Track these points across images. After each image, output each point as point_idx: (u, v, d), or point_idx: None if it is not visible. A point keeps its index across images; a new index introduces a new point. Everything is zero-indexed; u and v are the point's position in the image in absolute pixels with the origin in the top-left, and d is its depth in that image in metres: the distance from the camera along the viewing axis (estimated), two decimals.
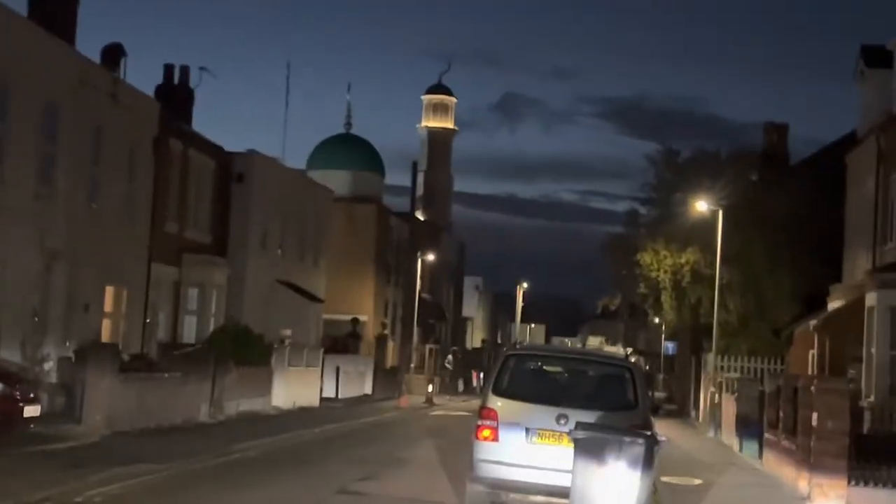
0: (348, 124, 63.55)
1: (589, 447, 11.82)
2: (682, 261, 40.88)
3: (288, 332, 42.44)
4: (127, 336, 31.38)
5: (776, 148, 48.44)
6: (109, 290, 30.62)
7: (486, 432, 14.23)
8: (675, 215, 41.62)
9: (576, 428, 12.23)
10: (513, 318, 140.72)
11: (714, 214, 35.92)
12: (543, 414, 14.09)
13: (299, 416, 32.52)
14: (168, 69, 41.52)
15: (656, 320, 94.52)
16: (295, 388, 36.44)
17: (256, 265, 40.56)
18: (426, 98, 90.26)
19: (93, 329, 28.98)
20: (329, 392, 42.28)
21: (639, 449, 11.70)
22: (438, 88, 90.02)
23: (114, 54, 31.28)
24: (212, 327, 35.67)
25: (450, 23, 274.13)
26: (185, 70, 41.73)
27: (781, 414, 21.22)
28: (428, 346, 64.99)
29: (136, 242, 31.98)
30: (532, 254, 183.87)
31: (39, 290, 26.33)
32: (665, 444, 12.67)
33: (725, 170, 40.41)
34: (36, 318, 26.04)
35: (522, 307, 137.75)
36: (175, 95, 40.03)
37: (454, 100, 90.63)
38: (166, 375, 26.06)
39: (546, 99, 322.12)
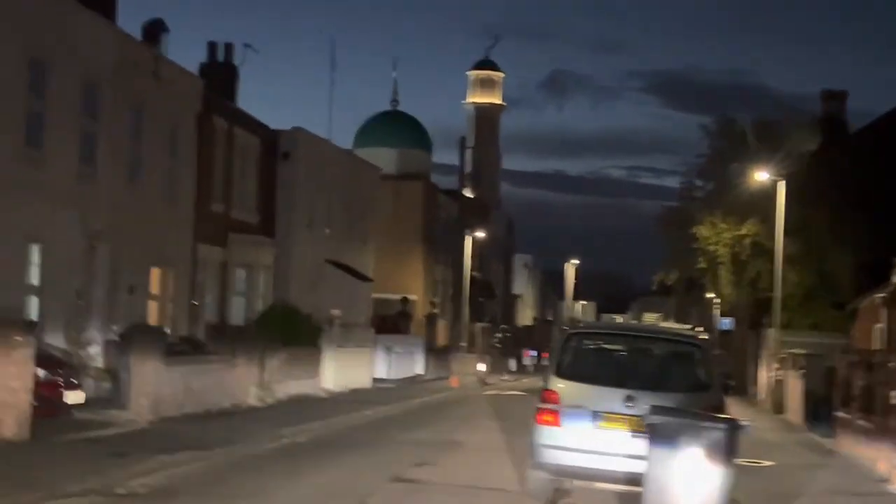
0: (395, 101, 62.76)
1: (665, 433, 10.89)
2: (742, 233, 39.64)
3: (337, 312, 41.81)
4: (174, 318, 30.78)
5: (835, 116, 47.06)
6: (155, 272, 30.01)
7: (549, 416, 13.37)
8: (733, 187, 40.37)
9: (651, 412, 11.31)
10: (562, 296, 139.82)
11: (775, 185, 34.67)
12: (609, 396, 13.21)
13: (351, 398, 31.81)
14: (212, 46, 40.80)
15: (710, 295, 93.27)
16: (346, 370, 35.74)
17: (304, 245, 39.87)
18: (473, 74, 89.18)
19: (139, 312, 28.38)
20: (380, 373, 41.59)
21: (720, 434, 10.78)
22: (485, 64, 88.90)
23: (155, 30, 30.61)
24: (260, 309, 35.03)
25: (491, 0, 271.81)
26: (228, 47, 41.00)
27: (856, 391, 20.16)
28: (479, 325, 64.16)
29: (182, 223, 31.34)
30: (580, 231, 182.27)
31: (83, 272, 25.71)
32: (749, 429, 11.74)
33: (785, 139, 39.08)
34: (80, 302, 25.46)
35: (573, 284, 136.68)
36: (219, 73, 39.27)
37: (501, 75, 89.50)
38: (214, 358, 25.38)
39: (594, 74, 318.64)
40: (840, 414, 21.77)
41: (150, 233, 29.01)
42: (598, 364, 13.95)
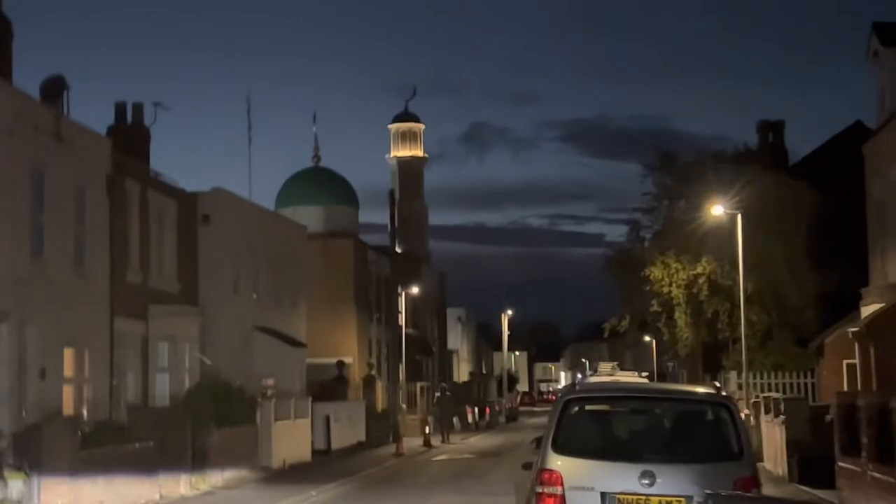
0: (317, 157, 60.14)
1: None
2: (697, 272, 37.63)
3: (270, 381, 39.12)
4: (92, 402, 27.92)
5: (773, 147, 45.57)
6: (68, 353, 27.12)
7: (551, 502, 10.96)
8: (682, 224, 38.44)
9: (707, 501, 8.94)
10: (494, 348, 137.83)
11: (732, 218, 32.71)
12: (623, 473, 10.90)
13: (292, 477, 29.09)
14: (119, 107, 38.04)
15: (646, 339, 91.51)
16: (284, 445, 33.00)
17: (231, 312, 37.14)
18: (394, 127, 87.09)
19: (52, 397, 25.52)
20: (320, 443, 38.84)
21: None
22: (406, 116, 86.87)
23: (55, 88, 27.94)
24: (187, 384, 32.26)
25: (406, 57, 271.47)
26: (137, 108, 38.29)
27: (864, 439, 17.97)
28: (418, 384, 61.52)
29: (95, 296, 28.53)
30: (504, 281, 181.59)
31: None
32: None
33: (732, 171, 37.27)
34: None
35: (507, 336, 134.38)
36: (129, 135, 36.53)
37: (422, 126, 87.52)
38: (137, 446, 22.60)
39: (511, 126, 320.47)
40: (844, 465, 19.56)
41: (61, 309, 26.23)
42: (605, 434, 11.61)
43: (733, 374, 36.98)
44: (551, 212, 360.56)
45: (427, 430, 47.13)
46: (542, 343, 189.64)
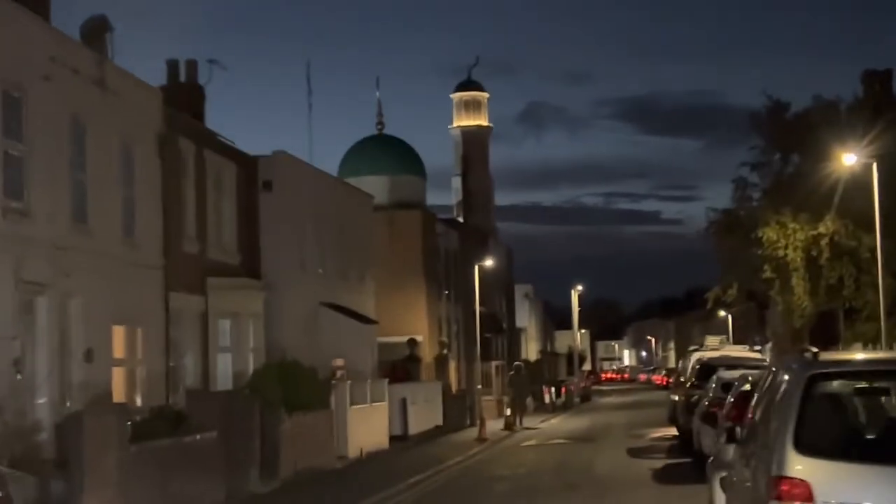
0: (380, 124, 56.58)
1: None
2: (818, 232, 33.62)
3: (340, 362, 35.91)
4: (146, 386, 24.75)
5: (881, 97, 41.39)
6: (118, 331, 23.92)
7: None
8: (798, 179, 34.48)
9: None
10: (558, 327, 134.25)
11: (866, 168, 28.72)
12: None
13: (372, 468, 25.79)
14: (172, 66, 34.82)
15: (721, 314, 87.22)
16: (361, 431, 29.71)
17: (296, 287, 33.88)
18: (456, 96, 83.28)
19: (101, 381, 22.36)
20: (396, 428, 35.52)
21: None
22: (469, 84, 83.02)
23: (97, 30, 24.60)
24: (251, 365, 29.03)
25: (462, 38, 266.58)
26: (191, 65, 35.04)
27: None
28: (493, 364, 58.04)
29: (147, 268, 25.31)
30: (561, 260, 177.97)
31: (19, 336, 19.68)
32: None
33: (850, 121, 33.24)
34: (18, 375, 19.43)
35: (564, 313, 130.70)
36: (183, 95, 33.31)
37: (486, 95, 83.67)
38: (198, 437, 19.30)
39: (567, 105, 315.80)
40: None
41: (109, 282, 23.03)
42: (875, 425, 8.02)
43: (857, 349, 33.04)
44: (606, 190, 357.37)
45: (509, 413, 43.69)
46: (602, 321, 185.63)
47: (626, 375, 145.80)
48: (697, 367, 26.97)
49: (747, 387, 15.62)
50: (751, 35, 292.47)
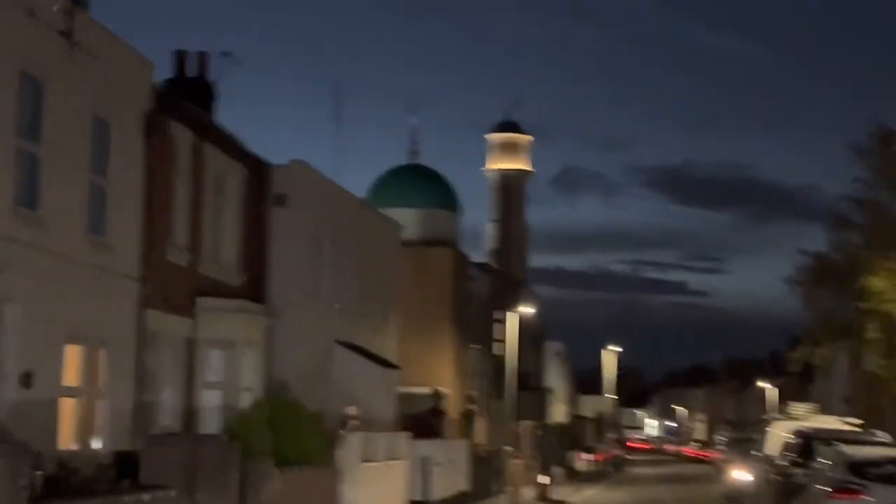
0: (414, 153, 51.65)
1: None
2: None
3: (353, 410, 30.76)
4: (109, 424, 19.67)
5: None
6: (72, 351, 18.88)
7: None
8: None
9: None
10: (583, 391, 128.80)
11: None
12: None
13: None
14: (179, 56, 30.09)
15: (763, 385, 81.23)
16: (372, 494, 24.39)
17: (308, 319, 28.80)
18: (494, 137, 78.31)
19: (41, 414, 17.30)
20: (415, 492, 30.18)
21: None
22: (508, 126, 78.16)
23: None
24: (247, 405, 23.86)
25: (500, 99, 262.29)
26: (202, 58, 30.29)
27: None
28: (522, 424, 52.54)
29: (119, 276, 20.31)
30: (585, 325, 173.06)
31: None
32: None
33: None
34: None
35: (585, 378, 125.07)
36: (190, 91, 28.51)
37: (528, 138, 78.74)
38: (146, 496, 14.08)
39: (601, 171, 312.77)
40: None
41: (62, 288, 18.06)
42: None
43: None
44: (634, 258, 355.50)
45: (542, 480, 38.30)
46: (625, 389, 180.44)
47: (651, 445, 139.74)
48: (798, 440, 21.63)
49: None
50: (790, 112, 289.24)
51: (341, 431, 23.94)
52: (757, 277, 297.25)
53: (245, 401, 24.13)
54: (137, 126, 20.93)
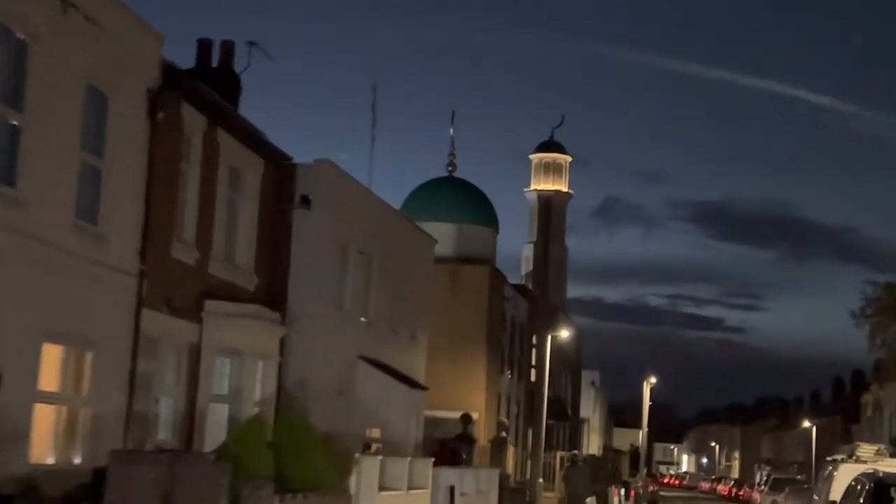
0: (451, 165, 49.26)
1: None
2: None
3: (376, 432, 28.47)
4: (93, 435, 17.35)
5: None
6: (52, 352, 16.57)
7: None
8: None
9: None
10: (616, 423, 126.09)
11: None
12: None
13: None
14: (203, 46, 27.91)
15: (806, 424, 77.96)
16: None
17: (329, 331, 26.50)
18: (536, 157, 76.23)
19: (11, 420, 15.02)
20: None
21: None
22: (550, 146, 75.89)
23: None
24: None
25: (541, 128, 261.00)
26: (227, 48, 28.08)
27: None
28: (558, 455, 49.88)
29: (113, 270, 18.02)
30: (619, 358, 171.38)
31: None
32: None
33: None
34: None
35: (618, 410, 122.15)
36: (214, 82, 26.28)
37: (569, 158, 76.43)
38: None
39: (642, 203, 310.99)
40: None
41: (44, 279, 15.80)
42: None
43: None
44: (671, 292, 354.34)
45: None
46: (658, 423, 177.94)
47: (683, 482, 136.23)
48: (870, 485, 18.97)
49: None
50: (834, 155, 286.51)
51: (357, 455, 21.49)
52: (794, 315, 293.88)
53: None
54: (142, 103, 18.69)
